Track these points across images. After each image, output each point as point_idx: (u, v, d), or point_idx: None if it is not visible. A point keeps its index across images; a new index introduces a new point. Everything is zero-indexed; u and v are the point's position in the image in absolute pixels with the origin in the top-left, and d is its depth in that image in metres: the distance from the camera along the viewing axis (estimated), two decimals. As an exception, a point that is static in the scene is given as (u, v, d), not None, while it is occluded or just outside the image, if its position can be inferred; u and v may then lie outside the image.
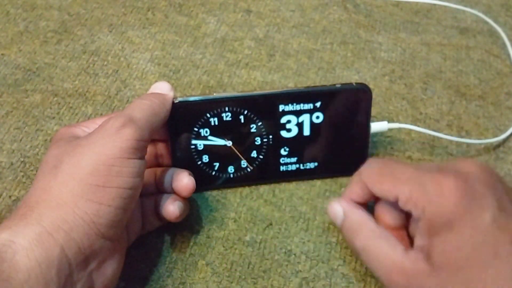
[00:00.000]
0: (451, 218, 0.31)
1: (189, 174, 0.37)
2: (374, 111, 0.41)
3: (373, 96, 0.40)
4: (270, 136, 0.40)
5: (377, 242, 0.34)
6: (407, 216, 0.36)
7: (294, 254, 0.39)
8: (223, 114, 0.39)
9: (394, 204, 0.34)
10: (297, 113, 0.40)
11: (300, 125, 0.40)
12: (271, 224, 0.41)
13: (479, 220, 0.31)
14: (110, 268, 0.32)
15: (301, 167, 0.42)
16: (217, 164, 0.41)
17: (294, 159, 0.42)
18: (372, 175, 0.35)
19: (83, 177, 0.30)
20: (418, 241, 0.33)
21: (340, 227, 0.36)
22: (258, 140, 0.40)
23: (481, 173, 0.33)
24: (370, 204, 0.37)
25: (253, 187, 0.43)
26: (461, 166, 0.33)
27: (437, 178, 0.32)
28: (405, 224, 0.36)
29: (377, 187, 0.35)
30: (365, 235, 0.34)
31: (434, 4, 0.58)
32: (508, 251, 0.30)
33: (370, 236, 0.34)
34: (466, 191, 0.31)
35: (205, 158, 0.40)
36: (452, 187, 0.31)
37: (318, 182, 0.43)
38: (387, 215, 0.36)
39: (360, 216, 0.36)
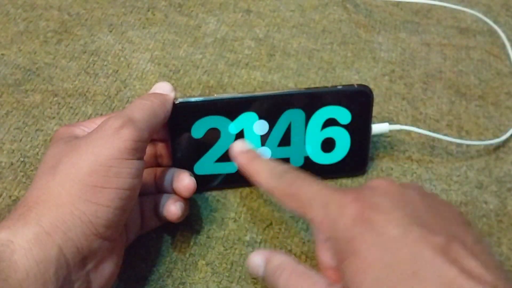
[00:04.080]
0: (351, 238, 0.28)
1: (190, 175, 0.37)
2: (374, 111, 0.41)
3: (373, 96, 0.40)
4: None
5: (299, 281, 0.31)
6: None
7: (294, 254, 0.39)
8: (223, 115, 0.39)
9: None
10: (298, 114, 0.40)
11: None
12: (271, 224, 0.41)
13: (384, 236, 0.27)
14: (108, 268, 0.32)
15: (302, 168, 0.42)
16: (217, 164, 0.41)
17: (295, 160, 0.42)
18: (279, 191, 0.33)
19: (81, 178, 0.30)
20: (338, 271, 0.30)
21: (263, 277, 0.33)
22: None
23: (391, 188, 0.30)
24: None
25: (253, 187, 0.43)
26: (371, 183, 0.31)
27: (338, 196, 0.30)
28: None
29: (287, 205, 0.33)
30: (286, 275, 0.32)
31: (434, 4, 0.58)
32: (433, 268, 0.26)
33: (291, 275, 0.31)
34: (366, 206, 0.29)
35: (206, 158, 0.40)
36: (350, 205, 0.29)
37: (318, 182, 0.43)
38: (324, 253, 0.33)
39: (281, 259, 0.33)
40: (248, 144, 0.38)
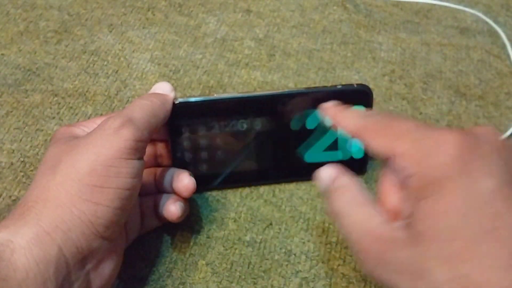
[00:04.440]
0: (443, 177, 0.26)
1: (190, 175, 0.37)
2: (374, 111, 0.41)
3: (373, 96, 0.40)
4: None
5: (358, 207, 0.30)
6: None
7: (294, 254, 0.39)
8: (224, 115, 0.39)
9: (399, 186, 0.30)
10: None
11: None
12: (271, 224, 0.41)
13: (478, 185, 0.26)
14: (107, 268, 0.32)
15: (302, 168, 0.42)
16: (217, 164, 0.41)
17: (294, 160, 0.42)
18: (368, 130, 0.31)
19: (81, 178, 0.30)
20: (405, 209, 0.28)
21: (324, 192, 0.33)
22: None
23: (497, 139, 0.28)
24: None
25: (253, 187, 0.43)
26: (476, 129, 0.29)
27: (438, 132, 0.28)
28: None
29: (372, 143, 0.31)
30: (348, 197, 0.30)
31: (434, 4, 0.58)
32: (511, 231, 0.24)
33: (352, 199, 0.30)
34: (469, 148, 0.27)
35: (206, 159, 0.40)
36: (452, 142, 0.27)
37: (318, 182, 0.43)
38: (389, 194, 0.31)
39: (347, 181, 0.32)
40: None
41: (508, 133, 0.46)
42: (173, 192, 0.38)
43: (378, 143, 0.30)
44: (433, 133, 0.28)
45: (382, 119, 0.31)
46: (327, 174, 0.32)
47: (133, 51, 0.53)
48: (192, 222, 0.41)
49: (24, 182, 0.43)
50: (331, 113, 0.35)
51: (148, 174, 0.39)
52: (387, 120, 0.31)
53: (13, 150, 0.45)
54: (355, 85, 0.40)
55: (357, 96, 0.40)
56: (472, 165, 0.26)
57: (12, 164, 0.44)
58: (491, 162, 0.27)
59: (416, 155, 0.28)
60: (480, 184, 0.26)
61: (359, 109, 0.35)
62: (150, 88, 0.38)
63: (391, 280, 0.27)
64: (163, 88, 0.37)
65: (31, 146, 0.45)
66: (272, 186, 0.43)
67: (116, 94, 0.49)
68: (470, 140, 0.27)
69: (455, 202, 0.26)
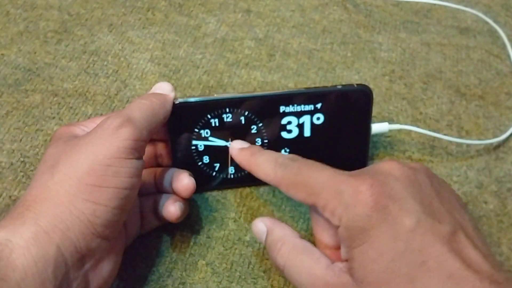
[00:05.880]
0: (366, 227, 0.28)
1: (189, 175, 0.37)
2: (374, 111, 0.41)
3: (373, 96, 0.40)
4: (271, 137, 0.40)
5: (300, 257, 0.31)
6: None
7: (294, 254, 0.39)
8: (224, 115, 0.39)
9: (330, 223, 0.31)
10: (298, 114, 0.40)
11: (300, 126, 0.40)
12: (270, 224, 0.41)
13: (398, 226, 0.28)
14: (106, 268, 0.32)
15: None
16: (217, 165, 0.41)
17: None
18: (288, 183, 0.33)
19: (80, 177, 0.30)
20: (343, 253, 0.30)
21: (264, 244, 0.34)
22: (258, 141, 0.40)
23: (403, 173, 0.30)
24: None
25: (253, 187, 0.43)
26: (383, 167, 0.31)
27: (353, 183, 0.30)
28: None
29: (294, 196, 0.32)
30: (287, 250, 0.32)
31: (434, 4, 0.58)
32: (439, 259, 0.27)
33: (292, 251, 0.32)
34: (382, 195, 0.29)
35: (206, 159, 0.40)
36: (366, 192, 0.29)
37: (318, 182, 0.43)
38: (323, 233, 0.33)
39: (283, 232, 0.33)
40: (246, 143, 0.38)
41: (508, 133, 0.46)
42: (173, 192, 0.38)
43: (300, 196, 0.32)
44: (348, 183, 0.30)
45: (298, 170, 0.33)
46: (261, 226, 0.34)
47: (133, 51, 0.53)
48: (192, 222, 0.41)
49: (24, 182, 0.43)
50: (243, 159, 0.36)
51: (148, 174, 0.39)
52: (304, 172, 0.32)
53: (13, 150, 0.45)
54: (355, 85, 0.40)
55: (357, 96, 0.40)
56: (389, 209, 0.28)
57: (12, 164, 0.44)
58: (405, 200, 0.29)
59: (338, 208, 0.30)
60: (400, 225, 0.28)
61: (270, 154, 0.35)
62: (150, 88, 0.38)
63: None
64: (163, 88, 0.37)
65: (31, 146, 0.45)
66: (272, 186, 0.43)
67: (116, 94, 0.49)
68: (382, 187, 0.29)
69: (383, 247, 0.28)
